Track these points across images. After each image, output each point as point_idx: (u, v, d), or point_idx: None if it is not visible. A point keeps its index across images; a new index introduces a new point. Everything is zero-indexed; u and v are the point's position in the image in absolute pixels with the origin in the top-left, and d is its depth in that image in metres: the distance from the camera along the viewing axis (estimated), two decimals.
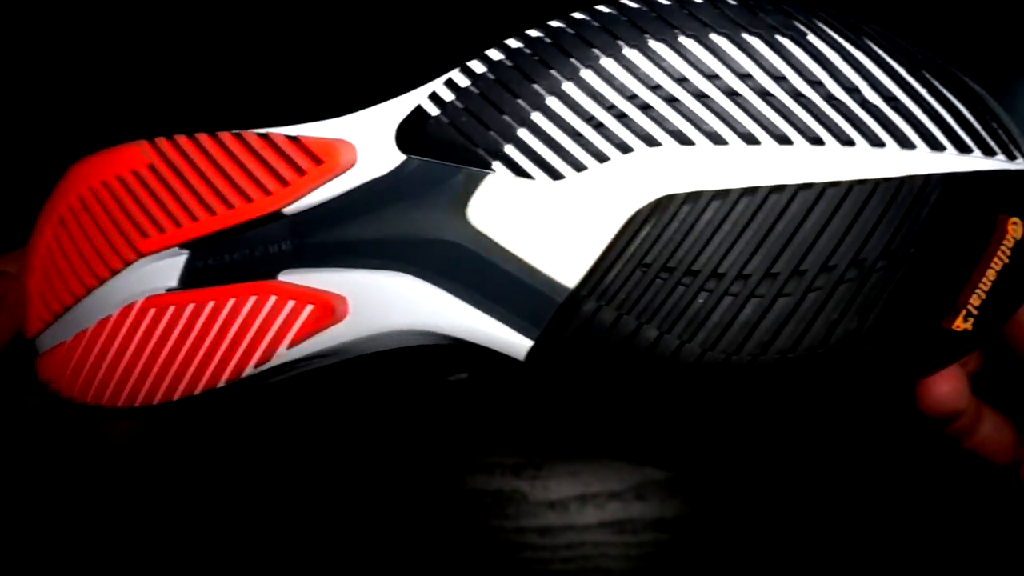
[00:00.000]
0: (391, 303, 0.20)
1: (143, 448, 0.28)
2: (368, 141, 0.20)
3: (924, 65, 0.19)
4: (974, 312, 0.19)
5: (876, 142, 0.18)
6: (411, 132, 0.20)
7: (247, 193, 0.20)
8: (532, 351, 0.19)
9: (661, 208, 0.18)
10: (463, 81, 0.19)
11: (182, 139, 0.21)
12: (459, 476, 0.35)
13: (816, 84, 0.18)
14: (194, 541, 0.33)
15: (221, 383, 0.21)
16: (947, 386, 0.22)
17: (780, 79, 0.18)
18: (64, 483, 0.27)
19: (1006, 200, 0.19)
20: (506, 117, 0.19)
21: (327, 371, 0.22)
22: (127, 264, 0.21)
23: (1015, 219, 0.19)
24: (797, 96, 0.18)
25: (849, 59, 0.18)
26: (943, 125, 0.19)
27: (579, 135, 0.19)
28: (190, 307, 0.21)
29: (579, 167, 0.19)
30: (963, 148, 0.19)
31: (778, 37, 0.18)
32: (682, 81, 0.18)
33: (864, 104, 0.19)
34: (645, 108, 0.18)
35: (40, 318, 0.22)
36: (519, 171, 0.19)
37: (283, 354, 0.20)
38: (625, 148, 0.19)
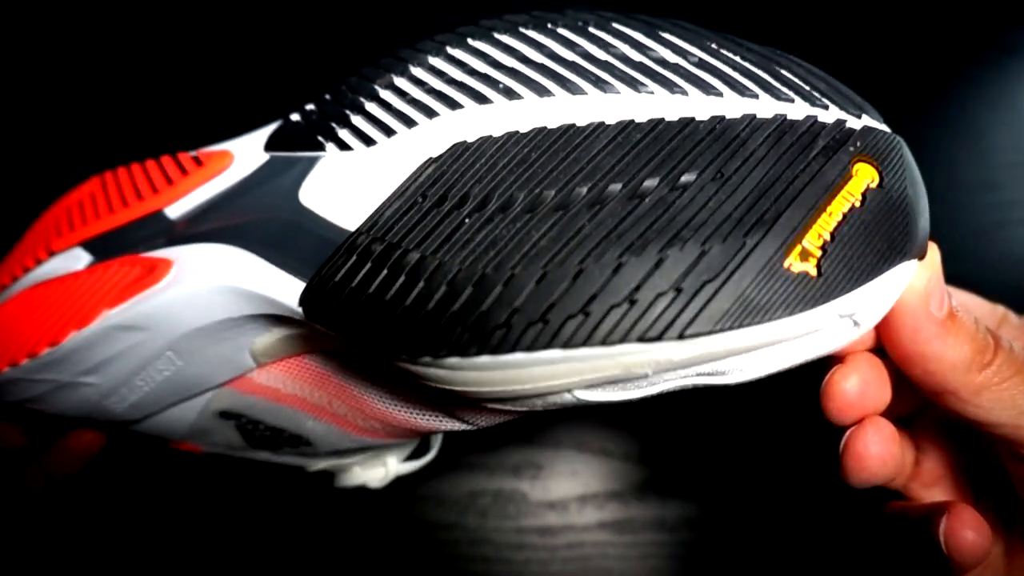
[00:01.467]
0: (208, 267, 0.20)
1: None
2: (243, 148, 0.23)
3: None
4: (814, 253, 0.15)
5: (676, 90, 0.18)
6: (277, 136, 0.22)
7: (140, 191, 0.23)
8: (304, 293, 0.18)
9: (450, 152, 0.18)
10: (325, 96, 0.22)
11: (121, 168, 0.25)
12: (459, 476, 0.34)
13: (608, 47, 0.19)
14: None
15: (42, 352, 0.21)
16: (877, 448, 0.16)
17: (572, 46, 0.19)
18: None
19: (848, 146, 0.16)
20: (345, 110, 0.21)
21: None
22: (39, 262, 0.24)
23: (862, 163, 0.16)
24: (588, 57, 0.19)
25: (651, 34, 0.19)
26: (754, 78, 0.18)
27: (397, 111, 0.20)
28: (54, 284, 0.22)
29: (389, 132, 0.20)
30: (782, 98, 0.17)
31: (579, 23, 0.19)
32: (482, 56, 0.19)
33: (661, 62, 0.18)
34: (452, 82, 0.20)
35: None
36: (343, 146, 0.20)
37: (106, 316, 0.21)
38: (431, 113, 0.19)
